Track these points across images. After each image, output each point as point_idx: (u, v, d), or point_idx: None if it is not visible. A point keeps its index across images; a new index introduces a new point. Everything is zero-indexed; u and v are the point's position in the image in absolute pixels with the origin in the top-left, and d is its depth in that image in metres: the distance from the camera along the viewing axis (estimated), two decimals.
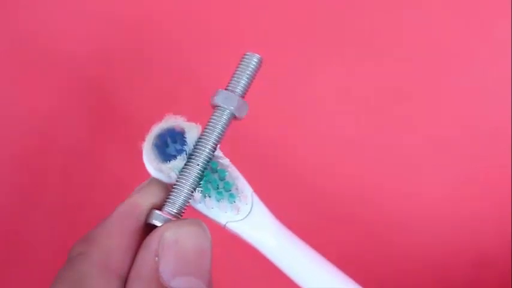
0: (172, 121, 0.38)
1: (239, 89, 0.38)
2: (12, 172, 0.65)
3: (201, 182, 0.38)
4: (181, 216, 0.37)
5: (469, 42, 0.65)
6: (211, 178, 0.39)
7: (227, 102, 0.38)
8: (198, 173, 0.37)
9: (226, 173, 0.39)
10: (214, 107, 0.38)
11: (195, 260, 0.35)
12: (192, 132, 0.38)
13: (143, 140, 0.38)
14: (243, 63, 0.39)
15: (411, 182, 0.64)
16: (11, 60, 0.66)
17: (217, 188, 0.39)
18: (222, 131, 0.38)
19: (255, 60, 0.39)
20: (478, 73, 0.65)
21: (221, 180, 0.39)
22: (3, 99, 0.66)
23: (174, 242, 0.35)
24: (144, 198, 0.37)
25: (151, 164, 0.38)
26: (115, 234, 0.36)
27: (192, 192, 0.37)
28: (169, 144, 0.38)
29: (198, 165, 0.37)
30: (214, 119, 0.38)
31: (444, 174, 0.64)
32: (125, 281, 0.35)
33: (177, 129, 0.38)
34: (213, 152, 0.38)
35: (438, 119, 0.65)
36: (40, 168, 0.65)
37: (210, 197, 0.39)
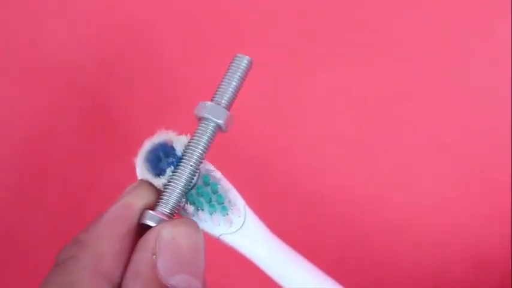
0: (163, 136, 0.38)
1: (225, 100, 0.38)
2: (12, 173, 0.65)
3: (193, 190, 0.39)
4: (174, 216, 0.38)
5: (469, 42, 0.65)
6: (203, 191, 0.39)
7: (213, 114, 0.38)
8: (190, 173, 0.38)
9: (219, 186, 0.39)
10: (200, 118, 0.39)
11: (191, 258, 0.35)
12: (183, 146, 0.38)
13: (137, 153, 0.38)
14: (232, 66, 0.39)
15: (411, 182, 0.64)
16: (11, 62, 0.67)
17: (210, 201, 0.39)
18: (212, 133, 0.38)
19: (245, 62, 0.39)
20: (478, 73, 0.65)
21: (213, 193, 0.39)
22: (3, 100, 0.66)
23: (171, 240, 0.35)
24: (136, 200, 0.37)
25: (145, 179, 0.38)
26: (107, 237, 0.36)
27: (184, 192, 0.38)
28: (162, 159, 0.38)
29: (191, 165, 0.38)
30: (204, 124, 0.38)
31: (444, 174, 0.64)
32: (115, 285, 0.35)
33: (168, 144, 0.38)
34: (204, 153, 0.38)
35: (438, 119, 0.65)
36: (40, 169, 0.66)
37: (203, 210, 0.39)
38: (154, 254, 0.35)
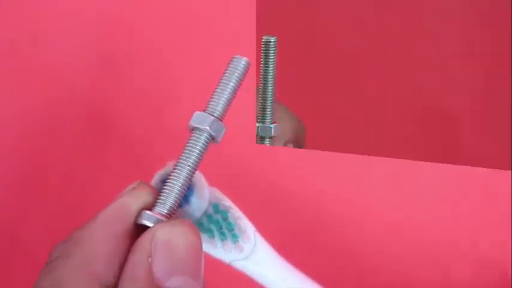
0: (171, 167, 0.38)
1: (220, 107, 0.38)
2: (12, 173, 0.65)
3: (204, 218, 0.39)
4: (172, 217, 0.37)
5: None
6: (214, 219, 0.39)
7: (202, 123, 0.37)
8: (188, 174, 0.37)
9: (229, 214, 0.39)
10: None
11: (189, 260, 0.35)
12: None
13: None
14: (229, 68, 0.38)
15: (410, 182, 0.65)
16: (11, 62, 0.66)
17: (221, 229, 0.39)
18: (208, 137, 0.37)
19: (243, 63, 0.38)
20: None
21: (224, 220, 0.39)
22: (3, 100, 0.66)
23: (167, 241, 0.34)
24: (134, 200, 0.37)
25: None
26: (100, 237, 0.35)
27: (183, 193, 0.37)
28: None
29: (188, 166, 0.37)
30: (196, 134, 0.38)
31: (443, 174, 0.64)
32: (108, 286, 0.35)
33: None
34: (201, 155, 0.38)
35: None
36: (40, 169, 0.66)
37: (213, 237, 0.39)
38: (150, 256, 0.34)
